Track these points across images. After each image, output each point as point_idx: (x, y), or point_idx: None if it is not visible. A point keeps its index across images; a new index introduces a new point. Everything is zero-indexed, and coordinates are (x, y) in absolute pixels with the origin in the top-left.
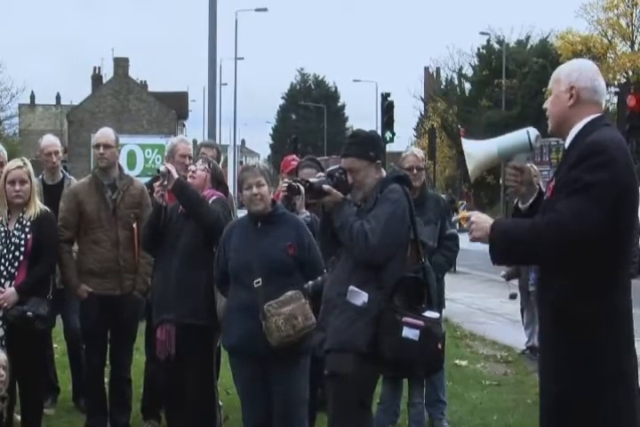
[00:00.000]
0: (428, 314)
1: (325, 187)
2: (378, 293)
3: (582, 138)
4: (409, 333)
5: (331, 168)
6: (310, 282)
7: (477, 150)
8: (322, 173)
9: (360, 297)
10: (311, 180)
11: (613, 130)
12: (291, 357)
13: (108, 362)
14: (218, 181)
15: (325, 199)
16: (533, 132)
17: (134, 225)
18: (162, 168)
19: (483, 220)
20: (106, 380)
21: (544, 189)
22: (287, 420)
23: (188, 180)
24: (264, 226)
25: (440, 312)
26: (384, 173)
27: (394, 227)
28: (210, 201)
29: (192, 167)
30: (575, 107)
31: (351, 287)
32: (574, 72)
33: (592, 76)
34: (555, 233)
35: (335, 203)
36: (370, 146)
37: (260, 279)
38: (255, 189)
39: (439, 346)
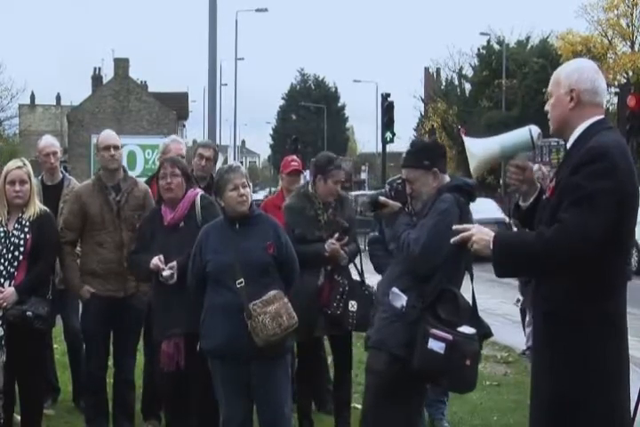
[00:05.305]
0: (464, 329)
1: (381, 199)
2: (417, 300)
3: (584, 141)
4: (434, 345)
5: (391, 178)
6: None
7: (479, 148)
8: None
9: (399, 300)
10: (368, 193)
11: (615, 133)
12: (273, 357)
13: (110, 364)
14: (187, 176)
15: (384, 211)
16: (535, 130)
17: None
18: (165, 273)
19: (484, 233)
20: (110, 381)
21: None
22: (272, 420)
23: (167, 195)
24: (242, 227)
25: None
26: (445, 179)
27: (437, 238)
28: (198, 199)
29: (162, 182)
30: (576, 109)
31: (393, 289)
32: (574, 74)
33: (592, 76)
34: (558, 249)
35: (392, 213)
36: (424, 155)
37: (242, 280)
38: (242, 190)
39: (467, 362)
